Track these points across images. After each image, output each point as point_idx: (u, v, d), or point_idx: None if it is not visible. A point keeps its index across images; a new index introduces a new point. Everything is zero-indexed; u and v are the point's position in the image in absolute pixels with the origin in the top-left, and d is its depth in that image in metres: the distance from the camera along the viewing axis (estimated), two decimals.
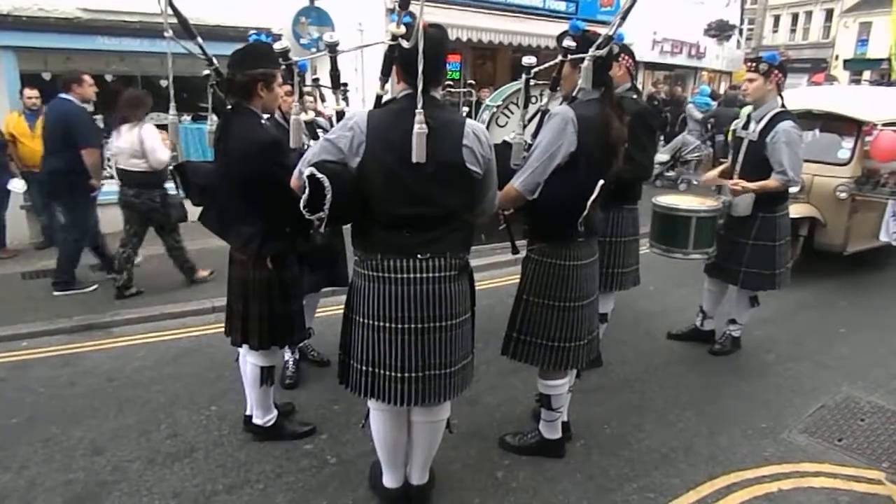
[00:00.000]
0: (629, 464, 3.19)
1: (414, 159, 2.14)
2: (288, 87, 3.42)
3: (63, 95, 5.34)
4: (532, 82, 2.92)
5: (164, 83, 8.14)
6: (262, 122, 2.88)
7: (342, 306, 2.60)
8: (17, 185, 6.54)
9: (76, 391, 3.91)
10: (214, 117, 3.10)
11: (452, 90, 6.06)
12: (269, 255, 2.92)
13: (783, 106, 4.02)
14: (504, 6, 11.53)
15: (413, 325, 2.37)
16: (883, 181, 6.07)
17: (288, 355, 3.92)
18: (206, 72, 3.08)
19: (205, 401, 3.76)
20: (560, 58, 2.80)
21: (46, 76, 7.44)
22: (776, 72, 3.94)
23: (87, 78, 5.45)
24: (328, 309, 4.74)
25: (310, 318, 3.84)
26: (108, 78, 7.93)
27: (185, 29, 2.83)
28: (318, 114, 4.09)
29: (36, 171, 6.75)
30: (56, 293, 5.52)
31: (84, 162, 5.23)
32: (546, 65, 2.98)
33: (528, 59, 2.87)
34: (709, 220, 4.09)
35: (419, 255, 2.34)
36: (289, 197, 2.60)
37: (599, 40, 2.62)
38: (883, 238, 5.95)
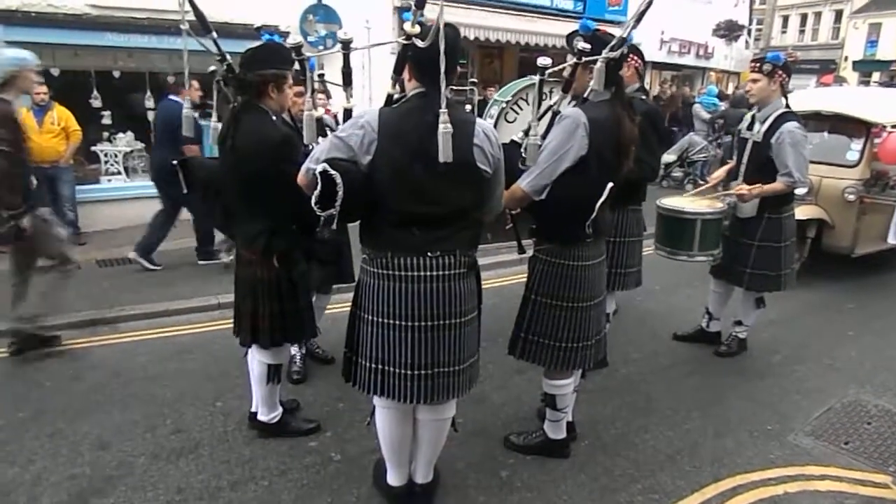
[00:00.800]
0: (634, 464, 3.18)
1: (441, 159, 2.12)
2: (298, 88, 3.42)
3: (171, 97, 5.97)
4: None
5: (171, 80, 8.14)
6: (273, 119, 2.88)
7: (347, 304, 2.60)
8: None
9: (82, 386, 3.92)
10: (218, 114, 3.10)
11: (455, 88, 6.04)
12: (276, 253, 2.92)
13: (788, 106, 4.00)
14: (512, 5, 11.50)
15: (422, 323, 2.37)
16: (892, 183, 6.03)
17: (295, 350, 3.92)
18: (212, 68, 3.08)
19: (210, 397, 3.77)
20: (574, 60, 2.78)
21: (55, 72, 7.46)
22: (780, 72, 3.92)
23: (193, 83, 5.83)
24: (333, 307, 4.74)
25: (318, 318, 3.82)
26: (116, 74, 7.96)
27: (201, 24, 2.83)
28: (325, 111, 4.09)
29: (44, 166, 6.77)
30: (200, 262, 6.39)
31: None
32: (559, 67, 2.96)
33: (543, 60, 2.85)
34: (714, 222, 4.07)
35: (429, 253, 2.34)
36: (296, 194, 2.60)
37: (613, 42, 2.60)
38: (891, 240, 5.90)
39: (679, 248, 4.13)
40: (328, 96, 4.25)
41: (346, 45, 2.74)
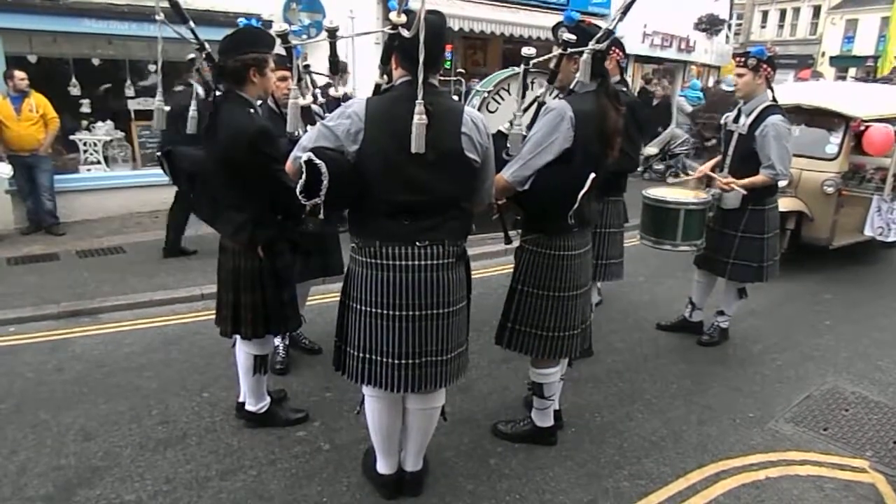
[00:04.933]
0: (620, 451, 3.23)
1: (413, 149, 2.13)
2: (282, 73, 3.40)
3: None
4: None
5: (152, 68, 8.03)
6: (252, 110, 2.85)
7: (333, 294, 2.60)
8: (2, 170, 6.43)
9: (65, 377, 3.87)
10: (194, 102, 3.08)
11: (441, 79, 6.03)
12: (261, 244, 2.90)
13: (773, 100, 4.05)
14: None
15: (411, 313, 2.38)
16: (868, 176, 6.15)
17: (278, 341, 3.89)
18: (191, 56, 3.04)
19: (196, 387, 3.75)
20: (559, 51, 2.79)
21: (32, 58, 7.32)
22: (765, 66, 3.98)
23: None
24: (319, 297, 4.75)
25: (301, 306, 3.81)
26: (95, 62, 7.82)
27: (176, 12, 2.79)
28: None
29: (23, 154, 6.66)
30: None
31: None
32: (544, 57, 2.97)
33: (527, 50, 2.85)
34: (698, 212, 4.13)
35: (418, 243, 2.34)
36: (279, 184, 2.59)
37: (600, 34, 2.61)
38: (868, 233, 6.03)
39: (663, 238, 4.19)
40: (314, 86, 4.21)
41: (333, 34, 2.72)
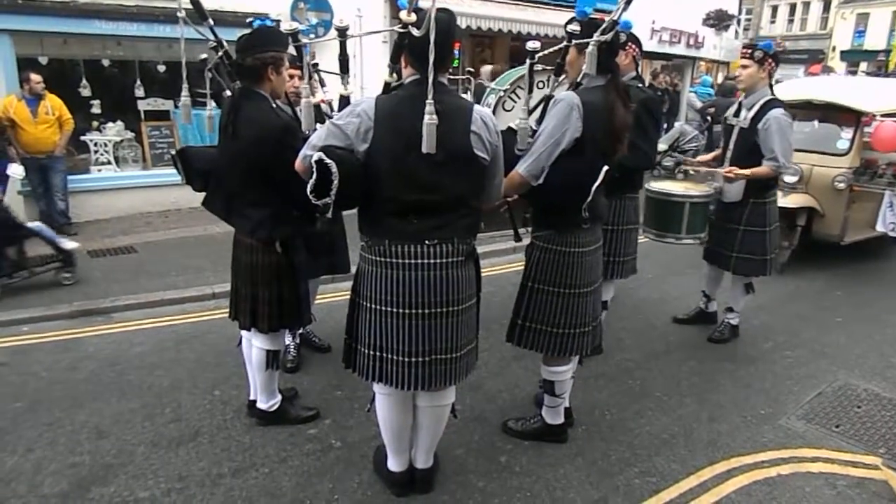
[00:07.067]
0: (630, 449, 3.22)
1: (424, 149, 2.13)
2: (291, 71, 3.42)
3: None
4: (539, 67, 2.91)
5: (161, 68, 8.08)
6: (274, 106, 2.87)
7: (342, 293, 2.61)
8: (15, 171, 6.49)
9: (78, 376, 3.91)
10: (213, 103, 3.10)
11: (451, 77, 6.04)
12: (279, 239, 2.93)
13: (773, 94, 4.06)
14: None
15: (420, 311, 2.38)
16: (880, 172, 6.10)
17: (288, 340, 3.92)
18: (203, 56, 3.06)
19: (207, 385, 3.78)
20: (564, 42, 2.80)
21: (43, 60, 7.37)
22: (770, 60, 4.01)
23: None
24: (328, 296, 4.77)
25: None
26: (105, 63, 7.88)
27: (197, 11, 2.82)
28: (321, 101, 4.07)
29: (39, 157, 6.73)
30: None
31: None
32: (550, 50, 2.96)
33: (532, 44, 2.86)
34: (701, 205, 4.17)
35: (427, 241, 2.34)
36: (299, 181, 2.61)
37: (604, 25, 2.62)
38: (879, 228, 5.98)
39: (667, 231, 4.22)
40: (322, 84, 4.22)
41: (343, 33, 2.74)
